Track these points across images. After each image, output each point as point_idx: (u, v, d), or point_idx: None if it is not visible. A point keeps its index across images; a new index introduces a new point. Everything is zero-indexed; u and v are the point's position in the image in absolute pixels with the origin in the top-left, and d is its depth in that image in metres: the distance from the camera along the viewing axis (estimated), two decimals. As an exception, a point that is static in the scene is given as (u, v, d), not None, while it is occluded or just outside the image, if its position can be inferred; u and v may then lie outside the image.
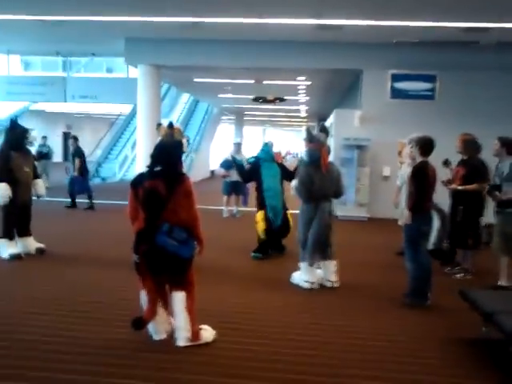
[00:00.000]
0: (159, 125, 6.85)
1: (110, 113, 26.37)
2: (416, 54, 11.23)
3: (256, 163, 7.39)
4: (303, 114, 27.21)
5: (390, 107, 11.77)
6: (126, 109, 22.88)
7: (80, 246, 7.63)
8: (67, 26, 11.12)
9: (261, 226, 7.01)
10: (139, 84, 12.68)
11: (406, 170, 7.61)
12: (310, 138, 5.59)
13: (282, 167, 7.46)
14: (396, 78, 11.69)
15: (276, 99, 13.00)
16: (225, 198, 11.30)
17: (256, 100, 12.78)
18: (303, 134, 5.61)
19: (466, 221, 5.94)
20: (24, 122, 24.24)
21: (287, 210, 7.30)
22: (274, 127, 39.69)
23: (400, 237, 5.42)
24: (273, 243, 7.24)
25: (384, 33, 10.44)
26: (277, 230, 7.08)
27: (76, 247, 7.50)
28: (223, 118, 29.61)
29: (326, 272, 5.67)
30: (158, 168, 3.80)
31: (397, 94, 11.75)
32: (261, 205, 7.14)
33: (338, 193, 5.75)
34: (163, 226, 3.69)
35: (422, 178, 4.99)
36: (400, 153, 11.42)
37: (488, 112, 11.14)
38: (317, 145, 5.53)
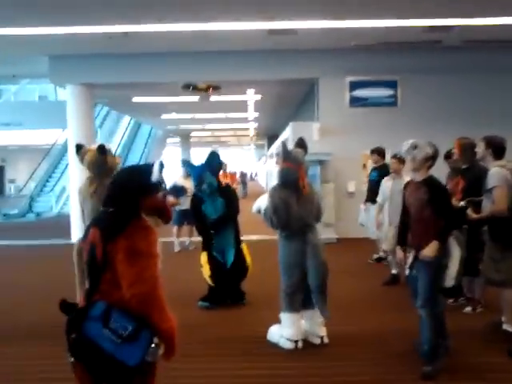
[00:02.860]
0: (79, 147, 4.80)
1: (47, 143, 24.44)
2: (375, 58, 10.36)
3: (195, 199, 5.78)
4: (252, 132, 26.19)
5: (350, 117, 10.82)
6: (62, 137, 21.10)
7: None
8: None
9: (206, 270, 5.57)
10: (69, 106, 11.15)
11: (388, 185, 6.59)
12: (286, 155, 4.37)
13: (228, 197, 5.73)
14: (354, 85, 10.77)
15: (209, 88, 11.58)
16: (175, 228, 9.88)
17: (186, 88, 11.27)
18: (277, 150, 4.40)
19: (474, 243, 4.82)
20: None
21: (240, 242, 5.76)
22: (222, 147, 38.50)
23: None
24: (227, 290, 5.66)
25: (340, 36, 9.45)
26: (228, 272, 5.56)
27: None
28: (169, 140, 28.18)
29: (311, 324, 4.41)
30: (105, 209, 2.44)
31: (356, 102, 10.82)
32: (204, 244, 5.71)
33: (318, 218, 4.54)
34: (95, 307, 2.26)
35: (447, 195, 4.00)
36: (365, 166, 10.48)
37: (455, 117, 10.38)
38: (293, 163, 4.32)
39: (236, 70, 10.83)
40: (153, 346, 2.25)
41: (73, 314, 2.30)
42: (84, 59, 10.65)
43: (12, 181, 32.60)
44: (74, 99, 11.09)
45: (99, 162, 4.61)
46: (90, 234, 2.36)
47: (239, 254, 5.65)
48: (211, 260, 5.56)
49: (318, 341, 4.38)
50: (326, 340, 4.38)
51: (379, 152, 7.93)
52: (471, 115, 10.25)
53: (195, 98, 13.79)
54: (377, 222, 6.74)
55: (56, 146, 22.31)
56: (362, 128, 10.57)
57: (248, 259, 5.72)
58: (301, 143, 4.53)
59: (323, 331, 4.39)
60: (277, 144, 16.23)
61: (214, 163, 5.70)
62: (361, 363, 4.02)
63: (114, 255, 2.23)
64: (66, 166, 19.65)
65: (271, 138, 26.87)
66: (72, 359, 2.29)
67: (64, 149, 20.65)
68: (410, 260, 3.94)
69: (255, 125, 22.33)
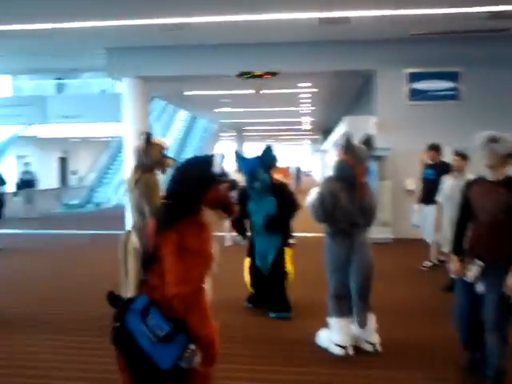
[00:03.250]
0: (148, 135, 4.50)
1: (106, 135, 25.08)
2: (435, 48, 9.80)
3: (243, 195, 5.23)
4: (307, 127, 25.82)
5: (408, 111, 10.32)
6: (121, 129, 21.58)
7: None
8: (40, 39, 9.80)
9: (247, 276, 5.33)
10: (125, 99, 11.29)
11: (450, 183, 6.18)
12: (347, 148, 4.05)
13: (281, 195, 5.15)
14: (414, 77, 10.24)
15: (266, 74, 11.03)
16: (227, 222, 9.82)
17: (242, 75, 10.83)
18: (339, 140, 4.15)
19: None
20: (17, 149, 23.32)
21: (286, 245, 5.23)
22: (276, 142, 38.27)
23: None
24: (266, 297, 5.20)
25: (398, 25, 9.00)
26: (267, 279, 5.14)
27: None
28: (223, 134, 28.29)
29: (362, 330, 4.15)
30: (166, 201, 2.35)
31: (416, 95, 10.30)
32: (249, 249, 5.30)
33: (370, 221, 4.25)
34: (138, 300, 2.19)
35: None
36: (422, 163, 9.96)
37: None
38: (354, 158, 4.01)
39: (289, 61, 10.57)
40: (188, 351, 2.10)
41: (119, 305, 2.26)
42: (139, 52, 10.74)
43: (74, 172, 33.88)
44: (130, 92, 11.21)
45: (141, 151, 4.47)
46: (149, 225, 2.34)
47: (279, 259, 5.08)
48: (252, 267, 5.21)
49: (369, 348, 4.12)
50: (378, 348, 4.11)
51: (436, 148, 7.43)
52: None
53: (249, 91, 13.66)
54: (436, 223, 6.34)
55: (115, 139, 22.84)
56: (421, 122, 10.07)
57: (289, 266, 5.18)
58: (368, 141, 4.19)
59: (376, 338, 4.13)
60: (333, 138, 15.84)
61: (268, 159, 5.20)
62: (414, 375, 3.74)
63: (161, 250, 2.16)
64: (125, 159, 20.12)
65: (326, 133, 26.39)
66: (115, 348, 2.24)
67: (122, 141, 21.19)
68: (473, 273, 3.34)
69: (310, 119, 21.98)
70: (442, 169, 7.08)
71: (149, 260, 2.23)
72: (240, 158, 5.60)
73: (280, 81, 12.49)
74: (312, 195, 4.30)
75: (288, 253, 5.24)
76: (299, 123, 23.97)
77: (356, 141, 4.22)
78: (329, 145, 19.00)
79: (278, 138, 36.77)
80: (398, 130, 10.13)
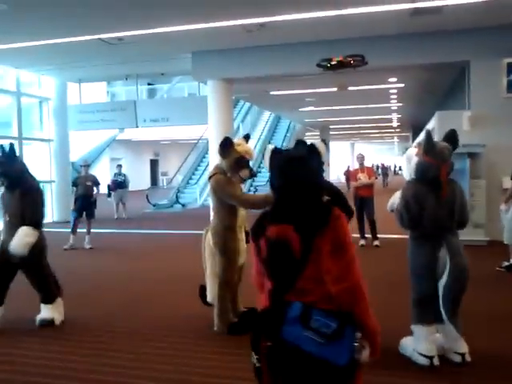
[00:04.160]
0: (226, 140, 4.43)
1: (194, 137, 25.88)
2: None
3: None
4: (395, 124, 24.94)
5: (507, 104, 9.56)
6: (206, 132, 22.14)
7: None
8: (129, 45, 10.28)
9: None
10: (209, 101, 11.53)
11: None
12: (428, 148, 3.73)
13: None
14: (512, 67, 9.47)
15: (350, 59, 9.60)
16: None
17: (322, 65, 9.99)
18: (420, 139, 3.88)
19: None
20: (113, 152, 24.73)
21: None
22: (362, 140, 37.43)
23: None
24: None
25: (495, 12, 8.37)
26: None
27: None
28: (308, 133, 28.09)
29: (449, 339, 3.84)
30: (287, 203, 2.16)
31: (515, 87, 9.52)
32: None
33: (462, 222, 3.92)
34: (292, 308, 2.05)
35: None
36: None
37: None
38: (436, 159, 3.71)
39: (377, 55, 10.14)
40: (358, 342, 2.04)
41: (262, 318, 2.14)
42: (223, 54, 10.91)
43: (164, 173, 35.35)
44: (214, 94, 11.43)
45: (219, 154, 4.46)
46: (273, 229, 2.13)
47: None
48: None
49: (458, 359, 3.79)
50: (467, 358, 3.78)
51: None
52: None
53: (334, 89, 13.41)
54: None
55: (202, 141, 23.47)
56: (521, 117, 9.31)
57: None
58: (451, 137, 3.86)
59: (464, 348, 3.80)
60: (421, 136, 15.14)
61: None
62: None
63: (319, 249, 2.03)
64: (210, 161, 20.61)
65: (416, 130, 25.36)
66: (258, 365, 2.13)
67: (208, 144, 21.71)
68: None
69: (398, 116, 21.18)
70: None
71: (292, 266, 2.08)
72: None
73: (366, 77, 12.13)
74: (395, 199, 4.06)
75: None
76: (387, 120, 23.20)
77: (440, 137, 3.91)
78: (416, 144, 18.16)
79: (364, 137, 35.91)
80: (494, 124, 9.43)
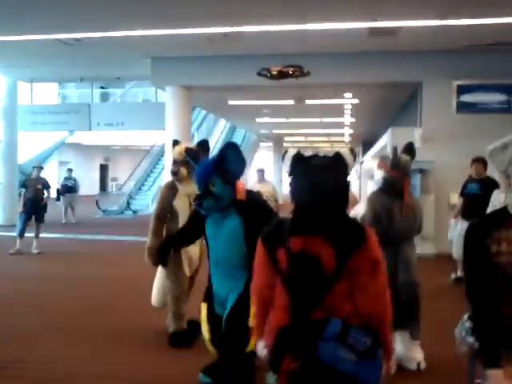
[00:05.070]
0: (176, 143, 4.50)
1: (147, 144, 25.53)
2: (487, 60, 9.49)
3: (194, 214, 3.49)
4: (346, 138, 25.56)
5: (456, 123, 9.99)
6: (160, 138, 21.91)
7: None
8: (87, 47, 10.06)
9: (205, 331, 3.35)
10: (167, 108, 11.43)
11: (499, 198, 5.92)
12: (395, 163, 3.88)
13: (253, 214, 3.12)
14: (463, 89, 9.91)
15: (289, 69, 9.76)
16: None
17: (262, 75, 10.09)
18: (386, 154, 4.03)
19: None
20: (61, 155, 23.95)
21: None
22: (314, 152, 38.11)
23: None
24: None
25: (449, 36, 8.79)
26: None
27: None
28: (261, 144, 28.32)
29: (406, 347, 3.96)
30: (314, 214, 2.01)
31: (464, 107, 9.97)
32: (206, 290, 3.39)
33: (418, 231, 4.13)
34: (331, 325, 1.94)
35: None
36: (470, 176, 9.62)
37: None
38: (401, 173, 3.87)
39: (333, 72, 10.48)
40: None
41: (290, 336, 2.00)
42: (184, 62, 10.86)
43: (114, 179, 34.63)
44: (173, 101, 11.34)
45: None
46: (297, 241, 1.99)
47: (240, 309, 3.04)
48: (211, 316, 3.27)
49: (413, 366, 3.92)
50: (422, 365, 3.91)
51: (483, 162, 7.15)
52: None
53: (290, 102, 13.62)
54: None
55: (155, 148, 23.21)
56: (468, 135, 9.72)
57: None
58: (410, 149, 4.06)
59: (420, 355, 3.93)
60: (375, 150, 15.57)
61: (229, 162, 3.05)
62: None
63: (354, 266, 1.96)
64: (164, 167, 20.39)
65: (366, 145, 26.08)
66: (275, 380, 2.16)
67: (162, 150, 21.46)
68: None
69: (350, 131, 21.74)
70: (487, 184, 6.82)
71: (326, 282, 1.97)
72: (193, 157, 3.76)
73: (323, 91, 12.42)
74: (357, 211, 4.18)
75: None
76: (339, 134, 23.76)
77: (398, 150, 4.09)
78: (369, 157, 18.70)
79: (316, 150, 36.57)
80: (444, 142, 9.85)
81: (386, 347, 2.03)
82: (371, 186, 4.22)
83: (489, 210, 6.11)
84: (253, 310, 2.61)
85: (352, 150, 2.16)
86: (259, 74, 10.14)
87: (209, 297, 3.28)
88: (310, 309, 1.96)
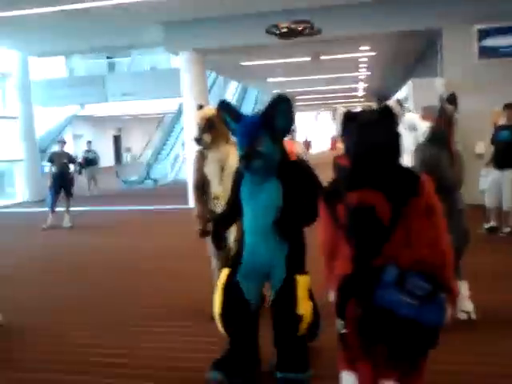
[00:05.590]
0: (201, 107, 4.25)
1: (159, 112, 25.34)
2: (508, 1, 9.17)
3: (237, 176, 3.12)
4: (360, 93, 25.16)
5: (478, 70, 9.77)
6: (174, 105, 21.73)
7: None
8: (96, 17, 9.90)
9: (218, 298, 2.95)
10: (182, 73, 11.30)
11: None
12: (442, 113, 3.89)
13: (295, 178, 2.91)
14: (484, 33, 9.65)
15: (298, 25, 9.48)
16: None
17: (271, 33, 9.94)
18: (429, 105, 4.01)
19: None
20: (74, 129, 23.85)
21: (301, 271, 2.92)
22: (328, 110, 37.57)
23: None
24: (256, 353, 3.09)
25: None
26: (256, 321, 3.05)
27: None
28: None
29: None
30: (367, 169, 2.12)
31: (486, 52, 9.71)
32: (234, 257, 3.14)
33: (462, 180, 4.14)
34: (388, 272, 2.05)
35: None
36: (494, 124, 9.52)
37: None
38: (446, 122, 3.87)
39: (348, 24, 10.20)
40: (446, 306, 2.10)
41: (351, 284, 2.14)
42: (196, 25, 10.64)
43: (128, 149, 34.65)
44: (188, 66, 11.20)
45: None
46: (354, 195, 2.10)
47: (288, 292, 2.82)
48: (230, 285, 2.92)
49: (464, 316, 3.97)
50: (473, 316, 3.96)
51: None
52: None
53: (305, 59, 13.37)
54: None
55: (168, 115, 23.08)
56: (492, 82, 9.52)
57: (304, 305, 2.84)
58: (453, 99, 4.04)
59: (470, 306, 3.97)
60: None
61: (279, 119, 2.79)
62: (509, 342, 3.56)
63: (409, 215, 2.06)
64: (179, 134, 20.33)
65: (380, 99, 25.66)
66: (344, 331, 2.17)
67: (176, 117, 21.33)
68: None
69: (365, 85, 21.36)
70: (521, 129, 6.75)
71: (384, 232, 2.08)
72: (231, 112, 3.05)
73: (337, 46, 12.16)
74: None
75: (302, 282, 2.87)
76: (355, 89, 23.38)
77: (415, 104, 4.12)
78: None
79: (330, 107, 36.09)
80: (468, 90, 9.61)
81: (448, 291, 2.10)
82: (412, 138, 4.18)
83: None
84: (302, 287, 2.84)
85: (399, 101, 2.21)
86: (268, 31, 9.93)
87: (235, 263, 2.96)
88: (371, 257, 2.09)
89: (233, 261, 3.02)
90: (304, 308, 2.83)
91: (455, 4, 9.51)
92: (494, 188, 7.04)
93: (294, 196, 2.82)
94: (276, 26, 9.82)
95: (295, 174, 2.85)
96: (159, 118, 25.63)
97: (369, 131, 2.09)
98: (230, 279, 2.92)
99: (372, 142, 2.07)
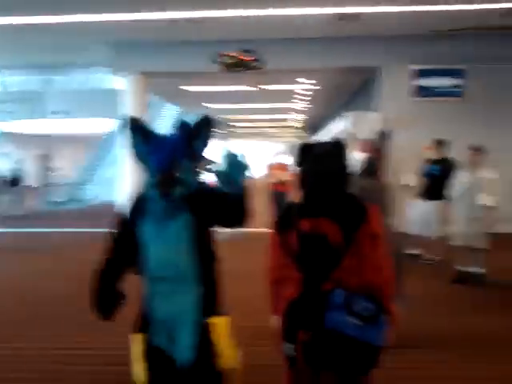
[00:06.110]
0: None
1: (91, 132, 24.53)
2: (442, 46, 9.94)
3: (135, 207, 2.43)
4: (297, 124, 25.84)
5: (412, 107, 10.41)
6: (107, 126, 21.15)
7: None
8: (41, 33, 9.56)
9: (138, 367, 2.39)
10: (126, 95, 11.10)
11: (463, 178, 6.24)
12: (375, 144, 4.29)
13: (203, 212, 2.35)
14: (420, 74, 10.34)
15: (247, 56, 10.02)
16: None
17: (217, 63, 10.17)
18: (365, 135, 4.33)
19: None
20: (0, 146, 22.15)
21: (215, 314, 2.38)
22: (262, 139, 38.21)
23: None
24: None
25: (407, 22, 9.08)
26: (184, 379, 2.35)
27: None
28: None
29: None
30: (319, 198, 2.24)
31: (420, 92, 10.42)
32: (139, 316, 2.43)
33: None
34: (336, 295, 2.15)
35: None
36: (425, 159, 10.06)
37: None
38: (378, 155, 4.20)
39: (293, 57, 10.58)
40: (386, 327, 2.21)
41: (300, 308, 2.23)
42: (144, 48, 10.57)
43: (54, 169, 33.20)
44: (133, 88, 11.04)
45: None
46: (307, 223, 2.21)
47: (204, 344, 2.32)
48: (150, 351, 2.38)
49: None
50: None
51: (442, 144, 7.55)
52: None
53: (246, 88, 13.60)
54: (448, 218, 6.42)
55: (103, 135, 22.43)
56: (424, 119, 10.16)
57: (226, 351, 2.35)
58: (384, 135, 4.50)
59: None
60: (329, 135, 15.87)
61: (200, 142, 2.40)
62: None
63: (359, 242, 2.17)
64: (111, 155, 19.79)
65: (313, 130, 26.52)
66: (294, 354, 2.23)
67: (109, 138, 20.77)
68: None
69: (300, 116, 21.99)
70: (447, 164, 7.22)
71: (334, 258, 2.19)
72: (142, 131, 2.38)
73: (279, 77, 12.48)
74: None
75: (220, 326, 2.38)
76: (292, 120, 23.98)
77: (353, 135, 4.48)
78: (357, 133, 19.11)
79: (264, 136, 36.75)
80: (403, 126, 10.21)
81: (389, 315, 2.23)
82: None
83: (452, 189, 6.43)
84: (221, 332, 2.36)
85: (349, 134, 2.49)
86: (215, 62, 10.34)
87: (144, 324, 2.39)
88: (321, 282, 2.20)
89: (140, 321, 2.42)
90: (227, 359, 2.35)
91: (394, 45, 10.16)
92: (421, 218, 7.36)
93: (207, 230, 2.39)
94: (224, 55, 10.05)
95: (211, 205, 2.35)
96: (91, 138, 24.84)
97: (323, 161, 2.25)
98: (146, 344, 2.38)
99: (325, 171, 2.23)
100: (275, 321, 2.36)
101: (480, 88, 10.20)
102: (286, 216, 2.36)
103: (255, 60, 10.21)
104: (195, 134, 2.38)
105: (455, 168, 7.28)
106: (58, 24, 8.99)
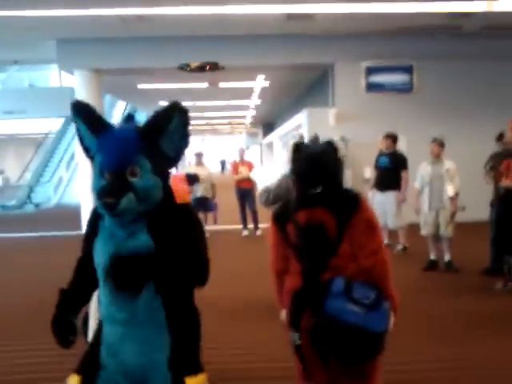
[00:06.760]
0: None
1: (39, 132, 23.74)
2: (392, 43, 10.22)
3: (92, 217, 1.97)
4: (249, 120, 25.94)
5: (366, 102, 10.71)
6: (54, 125, 20.52)
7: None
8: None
9: None
10: (77, 93, 10.80)
11: (427, 170, 6.50)
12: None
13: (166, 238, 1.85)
14: (371, 70, 10.64)
15: (207, 65, 10.67)
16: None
17: (183, 69, 10.70)
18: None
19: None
20: None
21: (190, 371, 1.88)
22: (214, 135, 38.12)
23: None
24: None
25: (359, 21, 9.29)
26: None
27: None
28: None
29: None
30: (314, 190, 2.34)
31: (373, 87, 10.70)
32: (86, 356, 1.95)
33: None
34: (335, 283, 2.21)
35: None
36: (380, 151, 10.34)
37: (471, 104, 10.39)
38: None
39: (247, 54, 10.63)
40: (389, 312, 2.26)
41: (302, 297, 2.30)
42: (94, 44, 10.33)
43: (1, 172, 31.90)
44: (83, 85, 10.76)
45: None
46: (303, 214, 2.31)
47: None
48: None
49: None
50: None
51: (392, 137, 7.80)
52: (490, 104, 10.25)
53: (203, 85, 13.56)
54: (416, 207, 6.64)
55: (50, 135, 21.82)
56: (378, 114, 10.46)
57: None
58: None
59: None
60: (284, 130, 16.03)
61: (169, 138, 1.82)
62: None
63: (353, 229, 2.27)
64: (63, 155, 19.28)
65: (266, 127, 26.69)
66: (299, 342, 2.29)
67: (59, 137, 20.19)
68: None
69: (253, 113, 22.10)
70: (397, 157, 7.50)
71: (331, 245, 2.28)
72: (90, 119, 1.89)
73: (234, 75, 12.49)
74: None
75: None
76: (243, 117, 24.04)
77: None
78: (275, 138, 19.26)
79: (216, 132, 36.70)
80: (356, 121, 10.48)
81: (392, 300, 2.32)
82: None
83: (417, 180, 6.66)
84: None
85: (301, 137, 2.72)
86: (180, 68, 10.56)
87: (91, 368, 1.87)
88: (319, 271, 2.28)
89: (86, 364, 1.88)
90: None
91: (346, 42, 10.37)
92: (379, 209, 7.59)
93: (172, 259, 1.79)
94: (187, 65, 10.54)
95: (177, 227, 1.82)
96: (39, 138, 24.03)
97: (316, 157, 2.40)
98: None
99: (320, 167, 2.36)
100: (283, 315, 2.47)
101: (429, 83, 10.59)
102: (282, 210, 2.51)
103: (214, 66, 10.50)
104: (160, 126, 1.78)
105: (404, 160, 7.61)
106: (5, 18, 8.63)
